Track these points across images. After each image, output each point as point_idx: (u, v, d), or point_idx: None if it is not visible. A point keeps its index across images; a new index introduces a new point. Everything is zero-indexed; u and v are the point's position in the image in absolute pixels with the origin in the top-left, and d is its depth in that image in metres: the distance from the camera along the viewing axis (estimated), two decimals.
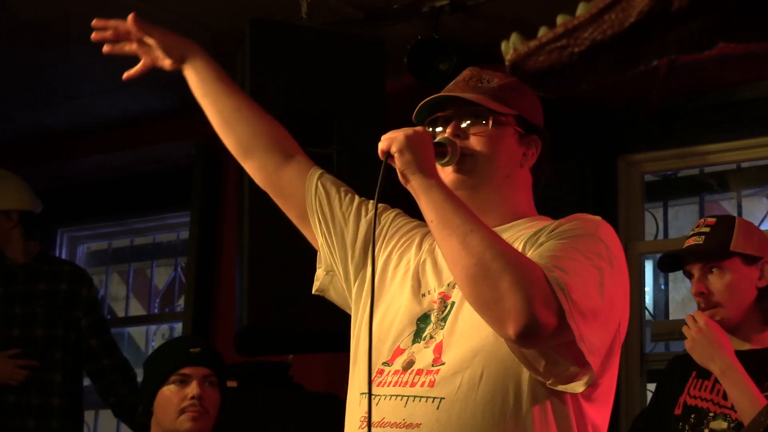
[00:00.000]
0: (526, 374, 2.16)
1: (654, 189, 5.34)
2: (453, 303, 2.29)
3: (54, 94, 5.79)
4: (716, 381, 3.46)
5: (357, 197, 2.54)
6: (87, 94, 5.74)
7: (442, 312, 2.29)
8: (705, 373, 3.42)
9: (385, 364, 2.29)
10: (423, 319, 2.31)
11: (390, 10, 4.72)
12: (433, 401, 2.18)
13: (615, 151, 5.16)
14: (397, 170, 2.23)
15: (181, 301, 6.30)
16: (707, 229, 3.57)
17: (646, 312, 5.19)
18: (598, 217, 2.33)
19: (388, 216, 2.53)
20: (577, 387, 2.14)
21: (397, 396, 2.23)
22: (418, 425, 2.17)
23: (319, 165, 4.38)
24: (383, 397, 2.24)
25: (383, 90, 4.62)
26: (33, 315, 5.02)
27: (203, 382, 3.72)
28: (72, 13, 4.83)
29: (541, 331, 2.06)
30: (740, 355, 3.44)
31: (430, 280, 2.36)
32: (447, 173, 2.34)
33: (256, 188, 4.34)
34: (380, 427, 2.22)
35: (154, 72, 5.66)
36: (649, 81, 4.71)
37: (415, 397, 2.21)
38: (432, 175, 2.22)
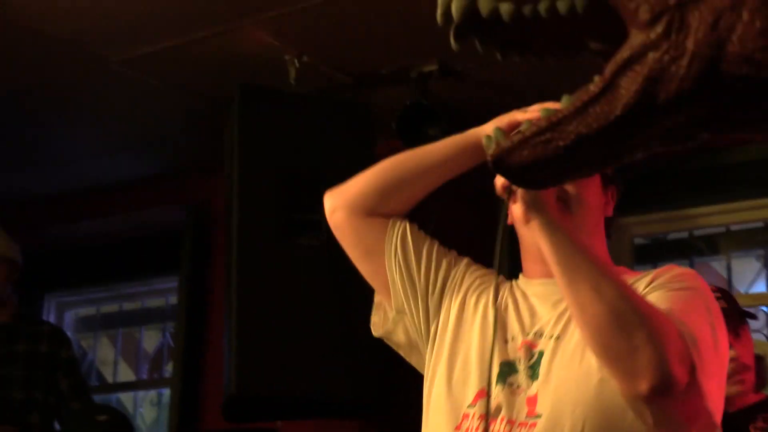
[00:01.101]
0: (626, 424, 2.05)
1: (643, 252, 5.33)
2: (541, 353, 2.18)
3: (44, 158, 5.78)
4: None
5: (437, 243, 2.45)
6: (76, 158, 5.74)
7: (529, 360, 2.18)
8: None
9: (470, 407, 2.18)
10: (507, 365, 2.20)
11: (378, 75, 4.73)
12: None
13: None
14: (518, 208, 2.10)
15: (170, 366, 6.25)
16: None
17: None
18: (693, 270, 2.26)
19: (460, 261, 2.43)
20: None
21: None
22: None
23: (308, 229, 4.43)
24: None
25: (372, 155, 4.61)
26: (11, 377, 4.96)
27: None
28: (63, 78, 4.84)
29: (674, 388, 1.95)
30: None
31: (512, 326, 2.25)
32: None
33: (244, 253, 4.35)
34: None
35: (143, 136, 5.69)
36: None
37: None
38: (553, 215, 2.11)
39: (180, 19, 4.31)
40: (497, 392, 2.15)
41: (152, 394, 6.70)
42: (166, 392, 6.14)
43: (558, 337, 2.18)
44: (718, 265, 5.23)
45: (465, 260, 2.42)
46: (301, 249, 4.33)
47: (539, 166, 1.14)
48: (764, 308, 4.98)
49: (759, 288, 5.08)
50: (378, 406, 4.22)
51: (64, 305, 6.78)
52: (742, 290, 5.05)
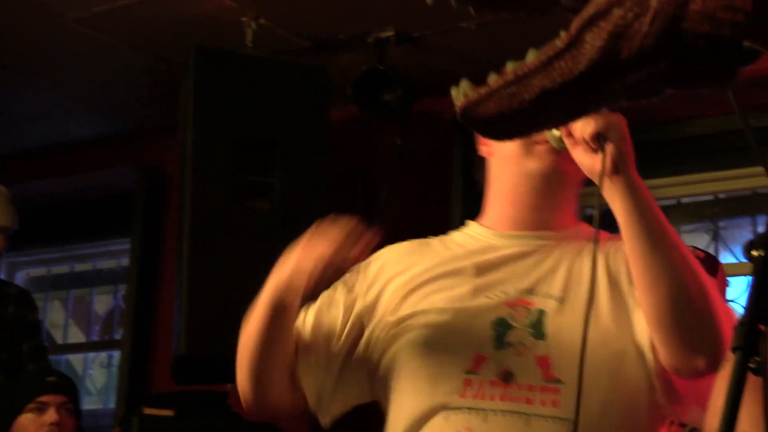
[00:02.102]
0: (642, 397, 2.05)
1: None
2: (542, 312, 2.10)
3: (2, 117, 5.75)
4: None
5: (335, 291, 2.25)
6: (28, 118, 5.70)
7: (527, 318, 2.08)
8: None
9: (470, 372, 2.05)
10: (501, 324, 2.08)
11: (336, 41, 4.72)
12: (563, 422, 1.99)
13: None
14: (605, 160, 1.97)
15: (121, 329, 6.23)
16: None
17: None
18: None
19: (354, 273, 2.23)
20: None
21: (513, 412, 2.01)
22: None
23: (262, 193, 4.42)
24: (492, 412, 2.01)
25: (327, 119, 4.62)
26: None
27: (60, 408, 3.82)
28: (15, 35, 4.80)
29: (719, 366, 1.89)
30: None
31: (491, 281, 2.15)
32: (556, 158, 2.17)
33: (197, 216, 4.34)
34: None
35: (97, 97, 5.64)
36: None
37: (539, 416, 2.01)
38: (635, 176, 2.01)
39: None
40: (498, 354, 2.06)
41: (103, 356, 6.68)
42: (117, 354, 6.12)
43: (561, 299, 2.10)
44: None
45: (340, 285, 2.23)
46: (254, 212, 4.33)
47: (505, 118, 1.15)
48: None
49: None
50: None
51: (15, 265, 6.73)
52: None
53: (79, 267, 6.74)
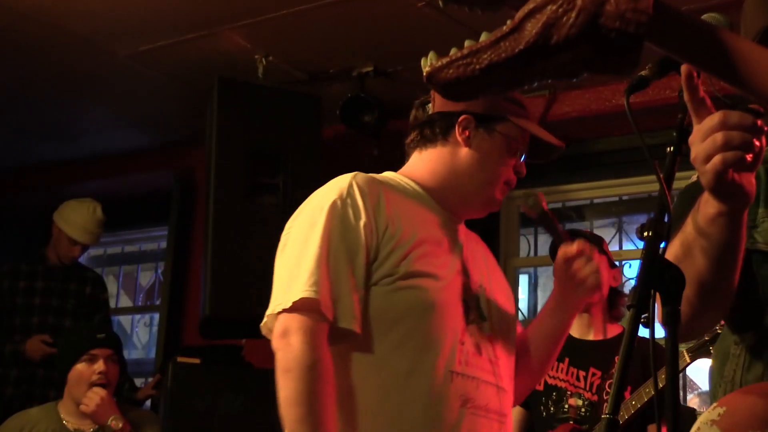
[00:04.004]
0: None
1: (527, 218, 5.33)
2: (483, 288, 1.98)
3: (62, 132, 5.71)
4: (570, 364, 3.45)
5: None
6: (88, 132, 5.69)
7: (477, 297, 1.95)
8: (558, 357, 3.43)
9: (461, 342, 1.87)
10: (469, 299, 1.94)
11: (327, 74, 4.71)
12: (506, 393, 1.92)
13: None
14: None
15: (160, 297, 6.21)
16: (587, 231, 3.60)
17: (521, 315, 5.20)
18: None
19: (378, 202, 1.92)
20: None
21: (489, 383, 1.89)
22: (506, 416, 1.89)
23: (269, 191, 4.41)
24: (482, 382, 1.87)
25: (320, 136, 4.61)
26: (65, 308, 4.96)
27: (107, 360, 3.77)
28: (79, 68, 4.77)
29: None
30: (585, 344, 3.44)
31: (468, 261, 1.99)
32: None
33: (219, 209, 4.33)
34: (485, 412, 1.86)
35: (141, 116, 5.61)
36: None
37: (500, 389, 1.90)
38: None
39: (174, 23, 4.27)
40: (471, 331, 1.91)
41: (146, 317, 6.67)
42: (156, 316, 6.11)
43: (485, 287, 1.99)
44: (583, 229, 5.28)
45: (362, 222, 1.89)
46: (264, 206, 4.32)
47: (460, 83, 1.16)
48: (617, 263, 5.03)
49: (614, 248, 5.14)
50: None
51: None
52: None
53: (128, 248, 6.73)
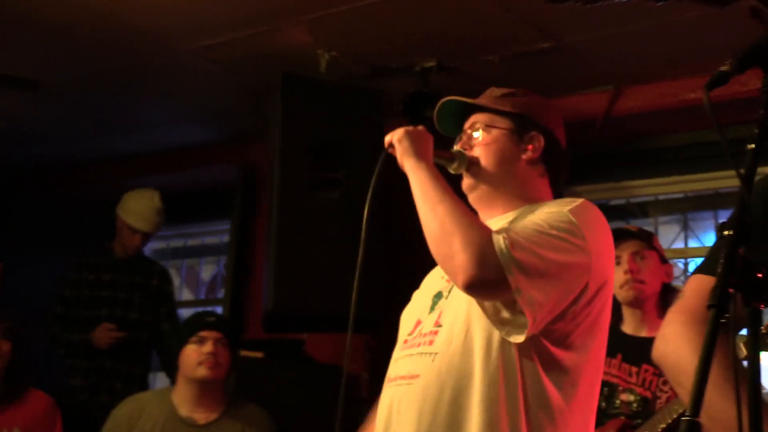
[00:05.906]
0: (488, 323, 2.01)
1: None
2: (443, 292, 2.18)
3: (127, 126, 5.77)
4: (622, 360, 3.40)
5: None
6: (154, 127, 5.73)
7: (449, 291, 2.13)
8: (611, 352, 3.40)
9: (410, 334, 2.16)
10: (438, 296, 2.16)
11: (390, 69, 4.70)
12: (430, 356, 2.04)
13: (564, 184, 5.14)
14: (397, 158, 2.18)
15: (222, 291, 6.26)
16: (635, 228, 3.58)
17: None
18: (580, 199, 2.13)
19: None
20: (517, 337, 1.94)
21: (409, 355, 2.11)
22: (417, 376, 2.03)
23: (332, 186, 4.41)
24: (401, 358, 2.13)
25: (382, 131, 4.57)
26: (131, 301, 5.02)
27: (216, 342, 3.79)
28: (143, 65, 4.82)
29: (483, 284, 1.92)
30: (638, 340, 3.39)
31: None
32: (464, 180, 2.25)
33: (282, 203, 4.34)
34: (394, 380, 2.11)
35: (205, 110, 5.64)
36: (590, 130, 4.72)
37: (419, 353, 2.07)
38: (423, 159, 2.14)
39: (237, 18, 4.29)
40: (426, 319, 2.15)
41: (208, 311, 6.69)
42: (219, 310, 6.15)
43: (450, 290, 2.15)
44: (647, 226, 5.21)
45: None
46: (326, 200, 4.32)
47: None
48: (681, 261, 4.97)
49: (679, 245, 5.07)
50: (381, 324, 4.22)
51: None
52: (665, 247, 5.03)
53: (191, 242, 6.78)
